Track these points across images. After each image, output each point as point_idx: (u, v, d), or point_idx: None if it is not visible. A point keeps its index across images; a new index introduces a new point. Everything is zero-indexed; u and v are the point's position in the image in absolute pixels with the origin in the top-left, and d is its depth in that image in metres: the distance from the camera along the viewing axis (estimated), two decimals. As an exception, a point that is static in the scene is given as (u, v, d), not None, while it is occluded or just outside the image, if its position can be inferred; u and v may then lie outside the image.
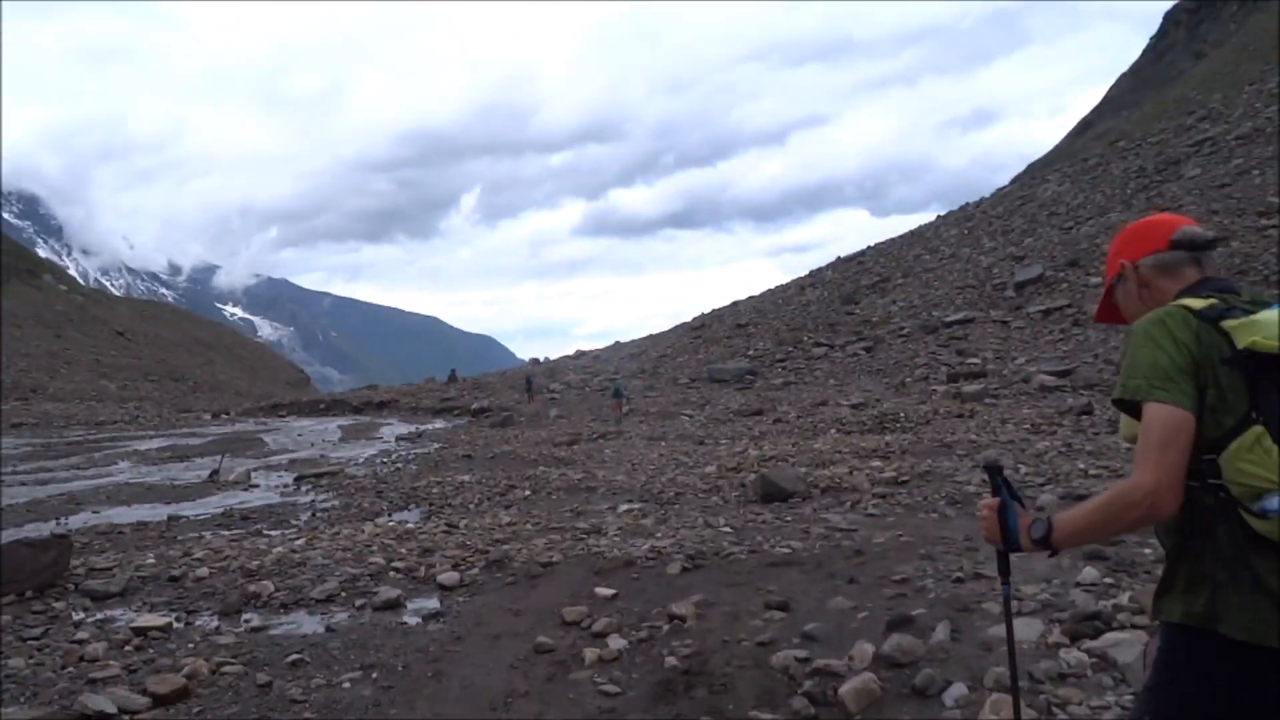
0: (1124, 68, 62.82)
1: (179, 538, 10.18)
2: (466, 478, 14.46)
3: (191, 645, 5.52)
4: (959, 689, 3.79)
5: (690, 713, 4.06)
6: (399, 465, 18.04)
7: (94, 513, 12.72)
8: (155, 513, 12.56)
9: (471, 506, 11.52)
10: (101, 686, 4.68)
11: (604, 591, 5.98)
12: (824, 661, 4.23)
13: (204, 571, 7.42)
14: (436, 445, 22.48)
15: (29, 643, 5.67)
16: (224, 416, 43.30)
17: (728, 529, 8.16)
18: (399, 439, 25.98)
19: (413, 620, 5.92)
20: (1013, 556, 2.11)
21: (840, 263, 47.07)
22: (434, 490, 13.18)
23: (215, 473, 16.93)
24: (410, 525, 9.90)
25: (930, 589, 5.24)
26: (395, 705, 4.37)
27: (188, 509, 12.89)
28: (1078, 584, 5.00)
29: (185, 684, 4.61)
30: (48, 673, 4.99)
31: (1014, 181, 52.31)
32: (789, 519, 8.49)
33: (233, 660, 5.09)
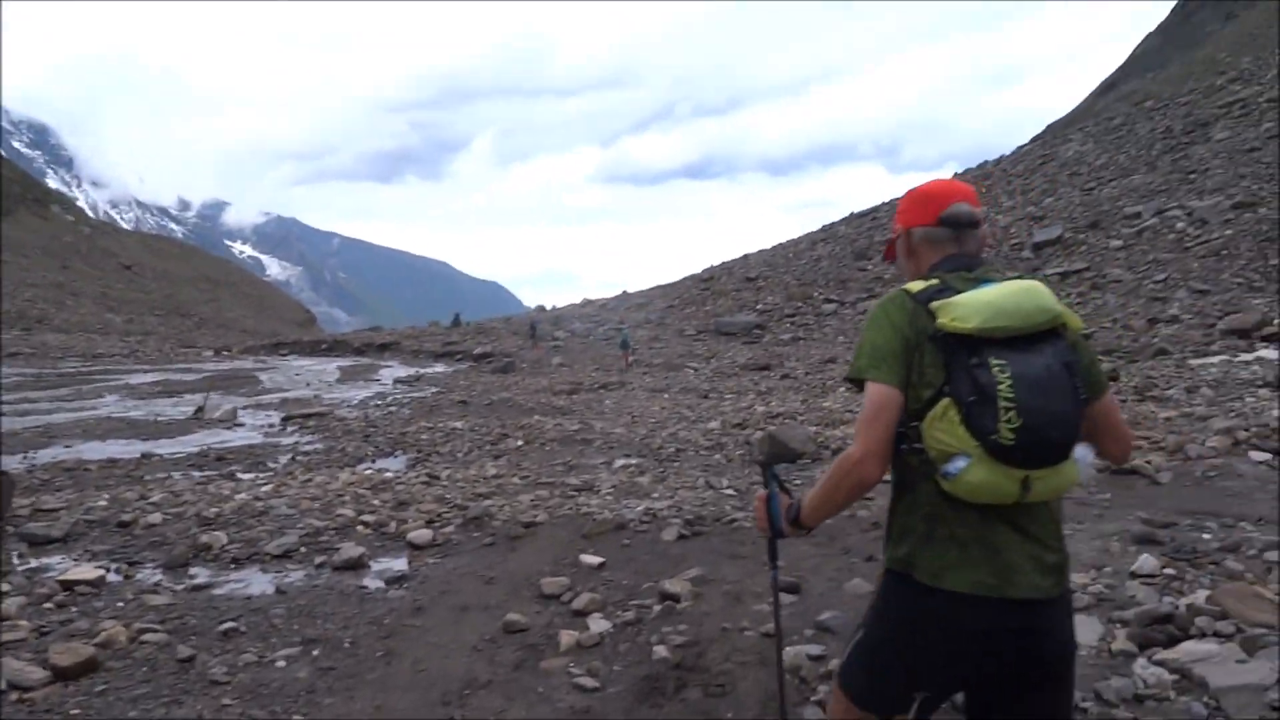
0: (1151, 27, 60.64)
1: (145, 477, 9.57)
2: (459, 424, 13.82)
3: (120, 604, 4.86)
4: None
5: (679, 717, 3.39)
6: (392, 409, 17.42)
7: (65, 447, 12.14)
8: (130, 449, 11.97)
9: (460, 455, 10.87)
10: (2, 652, 4.03)
11: (590, 559, 5.31)
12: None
13: (156, 518, 6.77)
14: (434, 389, 21.86)
15: (-59, 594, 5.04)
16: (225, 353, 42.76)
17: (731, 491, 7.48)
18: (397, 381, 25.38)
19: (373, 584, 5.25)
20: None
21: (854, 218, 45.94)
22: (423, 436, 12.55)
23: (200, 409, 16.33)
24: (389, 474, 9.24)
25: (961, 573, 4.54)
26: (332, 693, 3.69)
27: (165, 446, 12.29)
28: (1134, 574, 4.29)
29: (94, 655, 3.95)
30: (-54, 634, 4.35)
31: (1035, 140, 50.72)
32: (798, 482, 7.78)
33: (158, 626, 4.42)
